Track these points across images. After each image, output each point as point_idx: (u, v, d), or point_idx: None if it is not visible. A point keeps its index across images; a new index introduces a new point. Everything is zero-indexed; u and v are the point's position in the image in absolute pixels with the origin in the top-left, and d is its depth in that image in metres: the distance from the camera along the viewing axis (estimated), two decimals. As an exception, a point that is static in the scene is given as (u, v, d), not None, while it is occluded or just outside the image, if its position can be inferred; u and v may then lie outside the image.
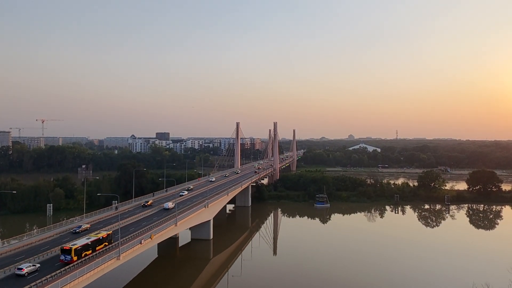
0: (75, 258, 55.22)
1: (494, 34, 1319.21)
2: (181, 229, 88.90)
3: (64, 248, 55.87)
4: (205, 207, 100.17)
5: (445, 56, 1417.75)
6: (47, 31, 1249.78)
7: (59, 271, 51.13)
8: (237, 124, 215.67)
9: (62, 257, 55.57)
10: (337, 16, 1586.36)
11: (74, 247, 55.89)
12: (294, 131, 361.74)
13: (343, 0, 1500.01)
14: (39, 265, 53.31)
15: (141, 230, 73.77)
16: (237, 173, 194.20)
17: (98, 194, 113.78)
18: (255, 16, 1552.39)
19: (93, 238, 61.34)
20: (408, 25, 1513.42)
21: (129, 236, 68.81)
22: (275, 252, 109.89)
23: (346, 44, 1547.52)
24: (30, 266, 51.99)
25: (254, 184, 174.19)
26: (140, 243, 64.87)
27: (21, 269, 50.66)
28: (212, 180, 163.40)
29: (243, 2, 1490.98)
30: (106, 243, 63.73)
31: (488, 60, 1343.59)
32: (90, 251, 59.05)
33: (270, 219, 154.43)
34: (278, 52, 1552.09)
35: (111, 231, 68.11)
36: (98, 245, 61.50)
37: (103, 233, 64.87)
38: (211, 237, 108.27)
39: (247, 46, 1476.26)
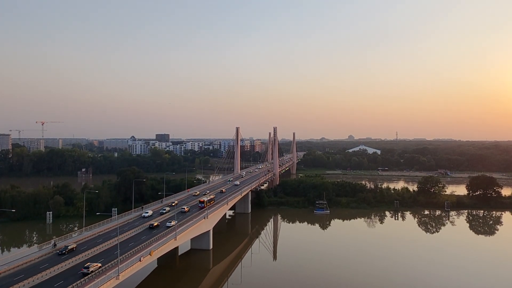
0: (206, 205, 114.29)
1: (494, 34, 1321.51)
2: (180, 242, 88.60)
3: (201, 200, 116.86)
4: (204, 218, 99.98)
5: (446, 56, 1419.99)
6: (47, 33, 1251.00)
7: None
8: (237, 129, 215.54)
9: (200, 205, 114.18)
10: (337, 16, 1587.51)
11: (205, 200, 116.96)
12: (294, 134, 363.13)
13: (344, 0, 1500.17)
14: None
15: (140, 245, 73.38)
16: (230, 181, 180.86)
17: (97, 213, 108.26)
18: (256, 17, 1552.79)
19: (209, 198, 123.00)
20: (408, 26, 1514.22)
21: (128, 252, 68.48)
22: (275, 258, 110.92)
23: (346, 45, 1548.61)
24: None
25: (254, 190, 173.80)
26: (140, 260, 64.67)
27: (87, 268, 59.28)
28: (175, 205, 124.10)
29: (244, 2, 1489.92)
30: (213, 201, 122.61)
31: (488, 60, 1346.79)
32: (209, 204, 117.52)
33: (270, 226, 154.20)
34: (278, 52, 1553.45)
35: (214, 195, 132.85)
36: (211, 202, 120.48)
37: (211, 196, 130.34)
38: (211, 247, 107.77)
39: (248, 46, 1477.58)
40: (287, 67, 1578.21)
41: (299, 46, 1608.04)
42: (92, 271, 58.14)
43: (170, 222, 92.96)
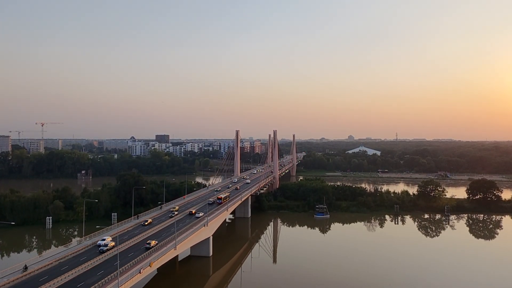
0: (223, 201, 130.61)
1: (494, 34, 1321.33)
2: (180, 251, 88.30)
3: (218, 197, 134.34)
4: (204, 226, 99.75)
5: (445, 56, 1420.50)
6: (46, 34, 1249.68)
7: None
8: (237, 132, 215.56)
9: (219, 201, 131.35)
10: (337, 17, 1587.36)
11: (222, 196, 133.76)
12: (293, 136, 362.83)
13: (344, 0, 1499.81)
14: None
15: (140, 256, 73.19)
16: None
17: (97, 226, 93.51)
18: (255, 16, 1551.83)
19: (225, 195, 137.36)
20: (408, 26, 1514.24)
21: (128, 264, 68.24)
22: (274, 261, 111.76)
23: (346, 45, 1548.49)
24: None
25: (254, 194, 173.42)
26: (140, 272, 64.49)
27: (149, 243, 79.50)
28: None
29: (243, 0, 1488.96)
30: (228, 198, 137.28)
31: (488, 60, 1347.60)
32: (225, 200, 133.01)
33: (269, 230, 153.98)
34: (278, 52, 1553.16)
35: (229, 193, 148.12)
36: (226, 198, 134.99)
37: (227, 193, 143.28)
38: (211, 254, 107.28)
39: (247, 46, 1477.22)
40: (287, 67, 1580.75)
41: (299, 46, 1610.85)
42: (152, 246, 77.94)
43: (199, 213, 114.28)
